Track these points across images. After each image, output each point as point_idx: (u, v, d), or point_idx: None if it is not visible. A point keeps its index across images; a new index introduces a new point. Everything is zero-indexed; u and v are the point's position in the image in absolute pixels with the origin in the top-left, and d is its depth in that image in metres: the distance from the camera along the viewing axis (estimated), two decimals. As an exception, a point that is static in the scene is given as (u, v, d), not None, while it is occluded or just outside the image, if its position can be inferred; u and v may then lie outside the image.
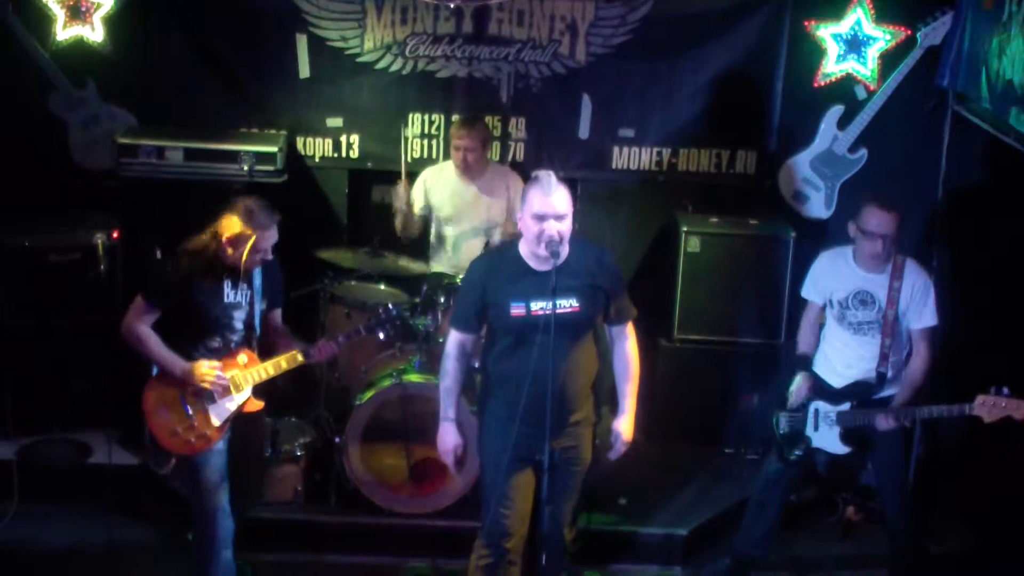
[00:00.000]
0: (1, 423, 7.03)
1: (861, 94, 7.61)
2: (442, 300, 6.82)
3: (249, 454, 5.90)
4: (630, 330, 5.58)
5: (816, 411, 6.19)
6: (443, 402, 5.59)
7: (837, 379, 6.17)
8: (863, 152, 7.65)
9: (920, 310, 6.01)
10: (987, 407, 5.54)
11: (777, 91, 7.85)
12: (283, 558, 6.53)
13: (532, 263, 5.32)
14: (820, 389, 6.19)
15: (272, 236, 5.52)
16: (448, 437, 5.58)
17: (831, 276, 6.19)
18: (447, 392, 5.56)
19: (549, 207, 5.18)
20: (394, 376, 6.60)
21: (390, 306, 6.00)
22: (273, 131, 7.74)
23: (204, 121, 7.67)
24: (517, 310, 5.28)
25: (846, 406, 6.10)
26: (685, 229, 7.60)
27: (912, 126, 7.49)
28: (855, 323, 6.09)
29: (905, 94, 7.49)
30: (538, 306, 5.24)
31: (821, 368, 6.25)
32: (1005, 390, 5.54)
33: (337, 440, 6.64)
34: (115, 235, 7.27)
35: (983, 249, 7.10)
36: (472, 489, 6.41)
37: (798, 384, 6.21)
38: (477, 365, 5.85)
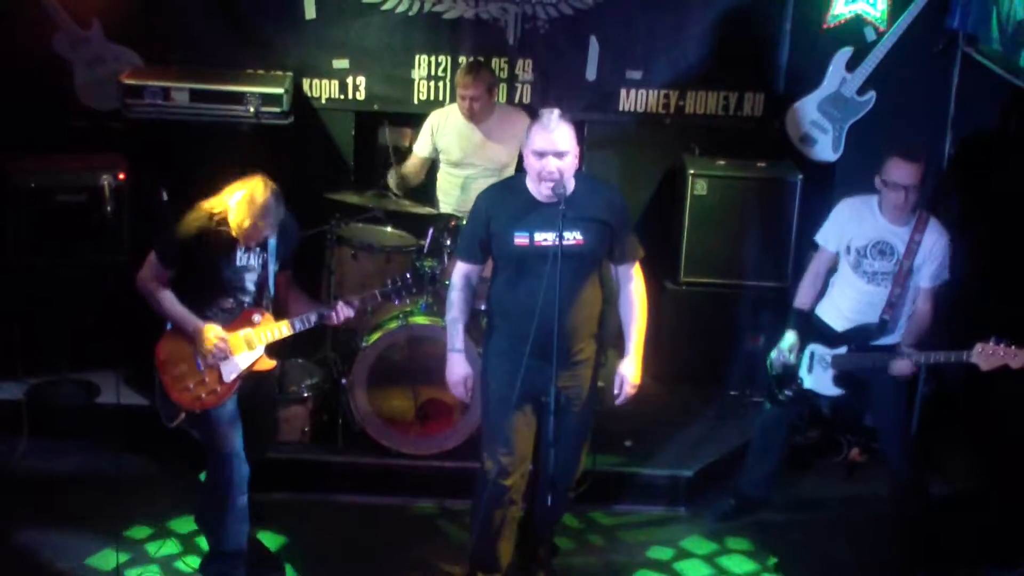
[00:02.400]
0: (10, 363, 7.07)
1: (870, 36, 7.56)
2: (448, 243, 6.81)
3: (261, 400, 5.91)
4: (637, 272, 5.58)
5: (812, 353, 6.21)
6: (450, 333, 5.60)
7: (841, 323, 6.17)
8: (872, 94, 7.61)
9: (934, 268, 5.99)
10: (985, 355, 5.57)
11: (785, 33, 7.81)
12: (290, 498, 6.58)
13: (538, 196, 5.33)
14: (820, 332, 6.20)
15: (275, 225, 5.48)
16: (457, 367, 5.60)
17: (853, 223, 6.12)
18: (453, 323, 5.58)
19: (549, 144, 5.20)
20: (401, 318, 6.62)
21: (407, 275, 5.96)
22: (279, 72, 7.71)
23: (210, 62, 7.64)
24: (521, 240, 5.30)
25: (843, 349, 6.12)
26: (692, 172, 7.58)
27: (921, 68, 7.44)
28: (870, 272, 6.06)
29: (915, 35, 7.42)
30: (542, 237, 5.26)
31: (826, 312, 6.24)
32: (1003, 341, 5.55)
33: (344, 381, 6.67)
34: (121, 176, 7.25)
35: (991, 191, 7.08)
36: (478, 430, 6.44)
37: (789, 346, 6.21)
38: (483, 307, 5.86)
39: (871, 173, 7.49)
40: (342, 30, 7.80)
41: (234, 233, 5.45)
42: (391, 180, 7.40)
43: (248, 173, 5.51)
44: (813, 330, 6.22)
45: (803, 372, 6.24)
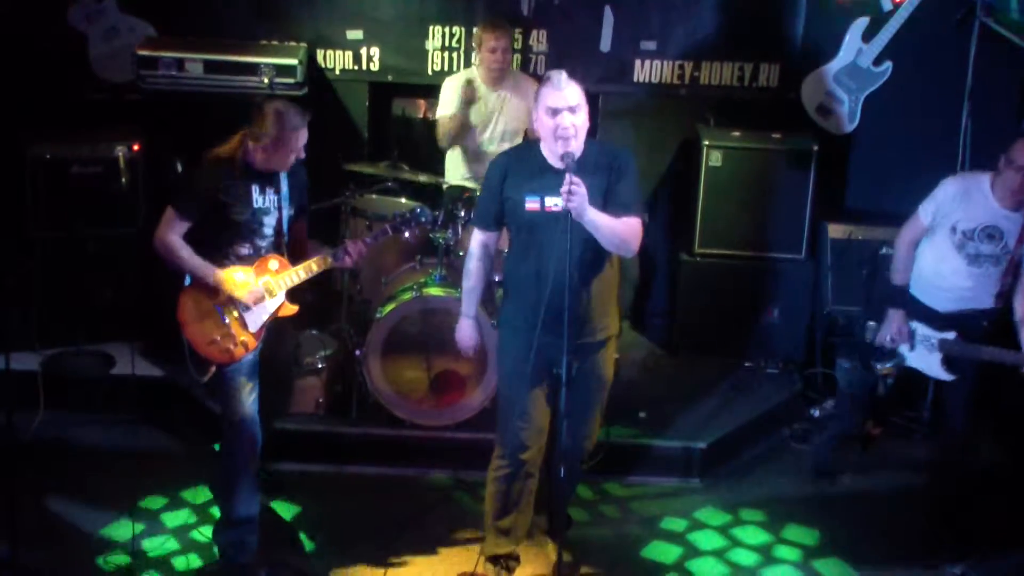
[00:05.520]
0: (26, 335, 7.09)
1: (887, 6, 7.50)
2: (462, 214, 6.81)
3: (277, 364, 5.93)
4: (636, 223, 5.29)
5: (914, 332, 6.06)
6: (464, 301, 5.62)
7: (940, 302, 5.98)
8: (888, 65, 7.56)
9: None
10: None
11: (802, 3, 7.77)
12: (304, 469, 6.60)
13: (551, 160, 5.31)
14: (920, 312, 6.03)
15: (304, 135, 5.50)
16: (466, 332, 5.62)
17: (962, 204, 5.87)
18: (469, 291, 5.59)
19: (561, 99, 5.17)
20: (415, 290, 6.62)
21: (416, 207, 5.97)
22: (293, 43, 7.71)
23: (224, 32, 7.64)
24: (532, 204, 5.27)
25: (951, 335, 5.94)
26: (707, 143, 7.56)
27: (939, 38, 7.39)
28: (973, 254, 5.86)
29: (932, 5, 7.37)
30: (552, 202, 5.23)
31: (919, 289, 6.06)
32: None
33: (358, 353, 6.69)
34: (136, 147, 7.27)
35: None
36: (492, 401, 6.45)
37: (895, 324, 6.05)
38: (498, 279, 5.85)
39: (887, 144, 7.49)
40: (356, 1, 7.78)
41: (268, 157, 5.46)
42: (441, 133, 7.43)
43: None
44: (914, 309, 6.04)
45: (903, 349, 6.09)
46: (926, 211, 5.97)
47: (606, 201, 5.25)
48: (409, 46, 7.86)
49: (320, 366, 6.83)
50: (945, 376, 6.02)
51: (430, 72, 7.88)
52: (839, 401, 6.87)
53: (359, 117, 8.04)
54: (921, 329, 6.05)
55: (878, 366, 6.18)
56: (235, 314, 5.56)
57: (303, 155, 5.57)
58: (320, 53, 7.86)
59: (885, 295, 6.17)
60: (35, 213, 7.21)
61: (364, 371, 6.65)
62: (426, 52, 7.87)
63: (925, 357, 6.06)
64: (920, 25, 7.43)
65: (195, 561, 5.89)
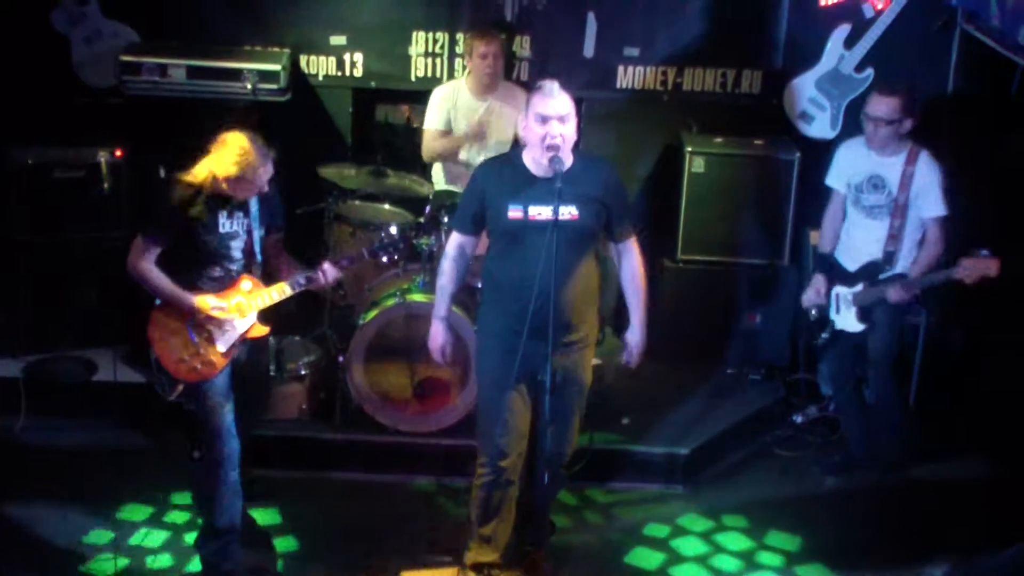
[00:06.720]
0: (8, 340, 7.07)
1: (869, 12, 7.53)
2: (445, 220, 6.80)
3: (256, 374, 5.92)
4: (635, 245, 5.59)
5: (837, 295, 6.53)
6: (437, 300, 5.64)
7: (852, 263, 6.49)
8: (870, 71, 7.59)
9: (929, 199, 6.29)
10: (967, 269, 5.89)
11: (784, 9, 7.78)
12: (288, 475, 6.59)
13: (535, 170, 5.34)
14: (839, 274, 6.53)
15: (267, 171, 5.46)
16: (438, 334, 5.63)
17: (850, 161, 6.49)
18: (442, 290, 5.61)
19: (552, 108, 5.22)
20: (398, 295, 6.62)
21: (393, 230, 5.96)
22: (276, 49, 7.69)
23: (207, 38, 7.62)
24: (515, 213, 5.30)
25: (860, 287, 6.42)
26: (690, 149, 7.57)
27: (920, 45, 7.43)
28: (867, 206, 6.40)
29: (914, 12, 7.41)
30: (536, 210, 5.26)
31: (842, 255, 6.57)
32: (984, 251, 5.87)
33: (341, 359, 6.68)
34: (119, 153, 7.25)
35: (990, 169, 7.07)
36: (475, 407, 6.45)
37: (814, 286, 6.59)
38: (480, 286, 5.85)
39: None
40: (339, 6, 7.78)
41: (234, 190, 5.43)
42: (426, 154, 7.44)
43: (215, 135, 5.50)
44: (835, 273, 6.54)
45: (832, 314, 6.55)
46: (832, 179, 6.64)
47: (609, 225, 5.44)
48: (392, 52, 7.85)
49: (303, 372, 6.82)
50: (860, 326, 6.49)
51: (413, 78, 7.88)
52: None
53: (342, 123, 8.03)
54: (842, 291, 6.53)
55: (816, 341, 6.70)
56: (205, 334, 5.55)
57: (266, 189, 5.53)
58: (303, 59, 7.85)
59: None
60: (17, 217, 7.19)
61: (347, 377, 6.65)
62: (409, 58, 7.86)
63: (845, 315, 6.54)
64: (902, 32, 7.47)
65: (178, 568, 5.88)
